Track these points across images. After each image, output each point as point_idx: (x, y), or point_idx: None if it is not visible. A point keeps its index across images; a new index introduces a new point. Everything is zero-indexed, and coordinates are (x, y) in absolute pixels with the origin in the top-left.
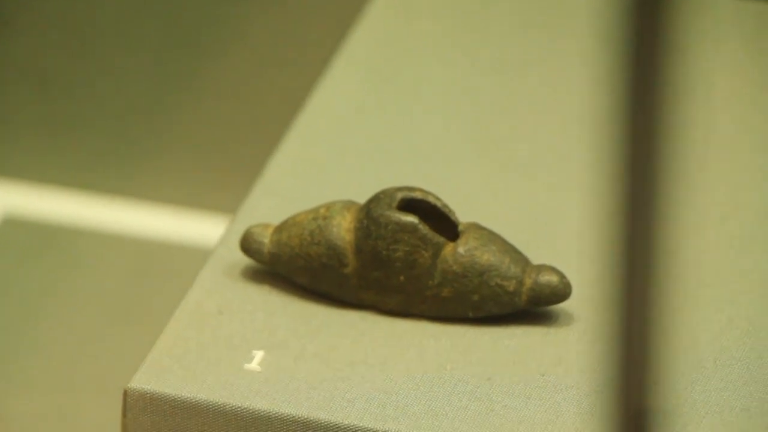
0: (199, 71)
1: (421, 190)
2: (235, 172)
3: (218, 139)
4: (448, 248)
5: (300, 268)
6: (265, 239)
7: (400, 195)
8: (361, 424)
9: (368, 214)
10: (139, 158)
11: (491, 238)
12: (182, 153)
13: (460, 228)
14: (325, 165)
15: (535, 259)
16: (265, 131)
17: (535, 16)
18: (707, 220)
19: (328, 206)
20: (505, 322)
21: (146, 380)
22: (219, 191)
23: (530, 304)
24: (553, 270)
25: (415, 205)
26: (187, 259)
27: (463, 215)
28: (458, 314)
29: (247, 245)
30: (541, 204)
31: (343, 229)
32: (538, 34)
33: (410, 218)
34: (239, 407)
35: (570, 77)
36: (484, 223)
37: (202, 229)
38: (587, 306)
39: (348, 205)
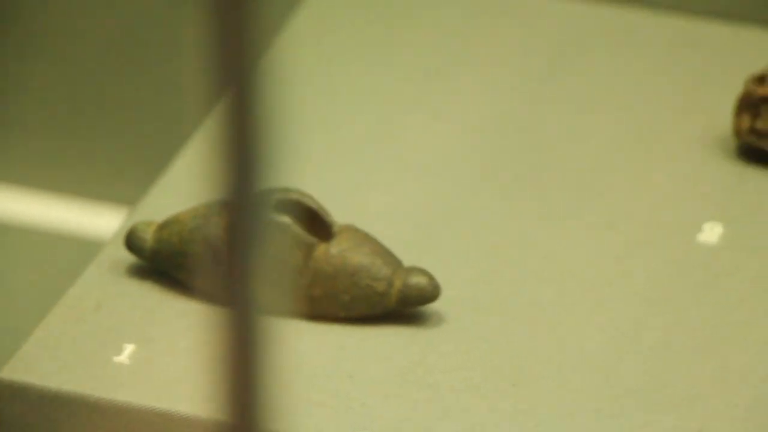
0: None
1: (298, 191)
2: (147, 165)
3: (135, 132)
4: (321, 249)
5: (179, 265)
6: (148, 236)
7: (275, 195)
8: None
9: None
10: (37, 147)
11: (365, 239)
12: (92, 143)
13: (335, 229)
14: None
15: (412, 260)
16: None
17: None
18: (593, 228)
19: (209, 205)
20: (376, 322)
21: (16, 370)
22: (130, 184)
23: (400, 305)
24: (422, 272)
25: (293, 206)
26: (86, 252)
27: (345, 217)
28: (329, 314)
29: (130, 242)
30: (422, 205)
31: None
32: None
33: (283, 218)
34: (103, 399)
35: (482, 81)
36: (365, 225)
37: (108, 222)
38: (458, 307)
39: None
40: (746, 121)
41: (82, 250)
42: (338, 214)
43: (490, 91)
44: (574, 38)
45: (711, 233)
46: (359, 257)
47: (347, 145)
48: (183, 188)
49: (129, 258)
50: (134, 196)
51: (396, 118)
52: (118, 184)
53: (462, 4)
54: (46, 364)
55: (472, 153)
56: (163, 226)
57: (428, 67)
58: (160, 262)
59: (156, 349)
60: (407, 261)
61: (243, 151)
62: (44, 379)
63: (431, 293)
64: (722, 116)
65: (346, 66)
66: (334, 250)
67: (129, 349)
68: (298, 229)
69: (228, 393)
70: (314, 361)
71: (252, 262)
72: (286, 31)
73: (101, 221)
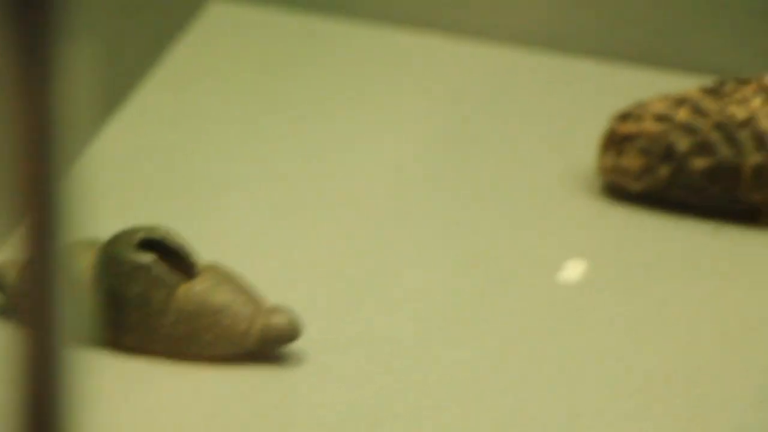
0: None
1: (163, 229)
2: None
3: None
4: (183, 288)
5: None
6: (10, 272)
7: (140, 235)
8: None
9: (106, 253)
10: None
11: (227, 278)
12: None
13: (198, 268)
14: (102, 201)
15: (277, 298)
16: None
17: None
18: (457, 265)
19: (73, 242)
20: (237, 361)
21: None
22: None
23: (261, 344)
24: (284, 311)
25: (157, 244)
26: None
27: (210, 255)
28: (192, 352)
29: None
30: (288, 244)
31: (84, 266)
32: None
33: (146, 257)
34: None
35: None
36: (230, 264)
37: None
38: (319, 346)
39: (93, 242)
40: (610, 159)
41: None
42: (203, 252)
43: (360, 132)
44: (442, 77)
45: (573, 271)
46: (221, 296)
47: (213, 185)
48: None
49: None
50: None
51: (265, 158)
52: None
53: (346, 49)
54: None
55: (339, 192)
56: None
57: (298, 109)
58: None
59: None
60: (272, 299)
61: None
62: None
63: (292, 333)
64: (587, 154)
65: (219, 108)
66: (197, 288)
67: None
68: (160, 268)
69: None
70: (172, 401)
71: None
72: (156, 74)
73: None
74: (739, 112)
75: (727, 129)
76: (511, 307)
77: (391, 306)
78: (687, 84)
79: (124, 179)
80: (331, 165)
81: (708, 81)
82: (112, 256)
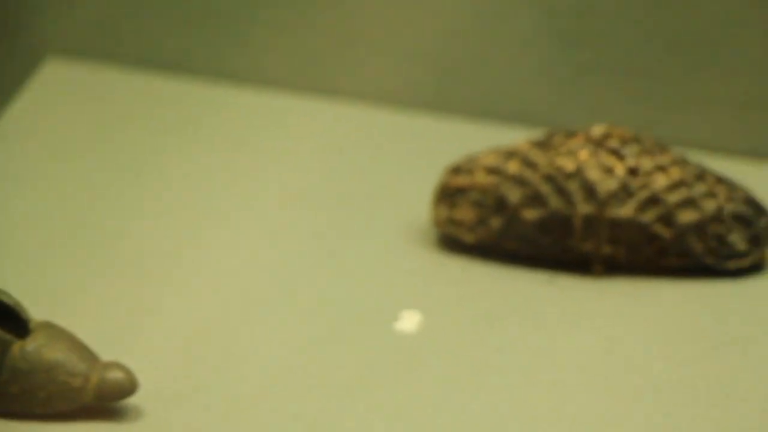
0: None
1: None
2: None
3: None
4: (17, 346)
5: None
6: None
7: None
8: None
9: None
10: None
11: (61, 335)
12: None
13: (32, 326)
14: None
15: (112, 355)
16: None
17: None
18: (294, 315)
19: None
20: (73, 418)
21: None
22: None
23: (97, 400)
24: (120, 367)
25: None
26: None
27: (44, 313)
28: (26, 410)
29: None
30: (123, 298)
31: None
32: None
33: None
34: None
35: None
36: (65, 322)
37: None
38: (156, 400)
39: None
40: (444, 212)
41: None
42: (36, 310)
43: (194, 187)
44: (281, 133)
45: (409, 321)
46: (55, 353)
47: (45, 241)
48: None
49: None
50: None
51: (99, 214)
52: None
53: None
54: None
55: (176, 248)
56: None
57: (135, 167)
58: None
59: None
60: (107, 355)
61: None
62: None
63: (128, 387)
64: (423, 207)
65: (54, 164)
66: (30, 346)
67: None
68: None
69: None
70: None
71: None
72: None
73: None
74: (567, 164)
75: (556, 180)
76: (349, 358)
77: (231, 358)
78: (517, 137)
79: None
80: (167, 221)
81: (537, 134)
82: None
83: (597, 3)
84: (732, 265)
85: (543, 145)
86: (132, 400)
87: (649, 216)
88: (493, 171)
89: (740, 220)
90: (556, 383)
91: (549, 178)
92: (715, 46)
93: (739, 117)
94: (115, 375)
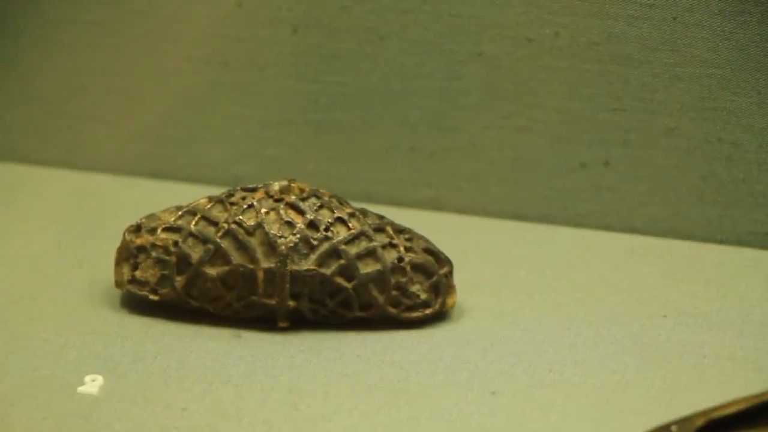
0: None
1: None
2: None
3: None
4: None
5: None
6: None
7: None
8: None
9: None
10: None
11: None
12: None
13: None
14: None
15: None
16: None
17: None
18: None
19: None
20: None
21: None
22: None
23: None
24: None
25: None
26: None
27: None
28: None
29: None
30: None
31: None
32: None
33: None
34: None
35: None
36: None
37: None
38: None
39: None
40: (126, 272)
41: None
42: None
43: None
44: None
45: (92, 384)
46: None
47: None
48: None
49: None
50: None
51: None
52: None
53: None
54: None
55: None
56: None
57: None
58: None
59: None
60: None
61: None
62: None
63: None
64: (107, 267)
65: None
66: None
67: None
68: None
69: None
70: None
71: None
72: None
73: None
74: (248, 220)
75: (237, 236)
76: (34, 425)
77: None
78: (198, 194)
79: None
80: None
81: (217, 191)
82: None
83: (272, 58)
84: (414, 315)
85: (223, 201)
86: None
87: (330, 269)
88: (174, 229)
89: (421, 269)
90: None
91: (230, 234)
92: (391, 97)
93: (418, 168)
94: None
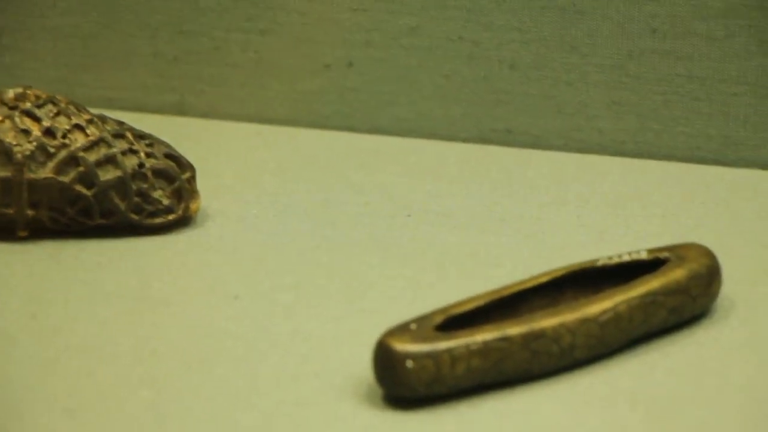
0: None
1: None
2: None
3: None
4: None
5: None
6: None
7: None
8: None
9: None
10: None
11: None
12: None
13: None
14: None
15: None
16: None
17: None
18: None
19: None
20: None
21: None
22: None
23: None
24: None
25: None
26: None
27: None
28: None
29: None
30: None
31: None
32: None
33: None
34: None
35: None
36: None
37: None
38: None
39: None
40: None
41: None
42: None
43: None
44: None
45: None
46: None
47: None
48: None
49: None
50: None
51: None
52: None
53: None
54: None
55: None
56: None
57: None
58: None
59: None
60: None
61: None
62: None
63: None
64: None
65: None
66: None
67: None
68: None
69: None
70: None
71: None
72: None
73: None
74: None
75: None
76: None
77: None
78: None
79: None
80: None
81: None
82: None
83: None
84: (157, 221)
85: None
86: None
87: (69, 177)
88: None
89: (162, 175)
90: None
91: None
92: (131, 1)
93: (161, 73)
94: None
